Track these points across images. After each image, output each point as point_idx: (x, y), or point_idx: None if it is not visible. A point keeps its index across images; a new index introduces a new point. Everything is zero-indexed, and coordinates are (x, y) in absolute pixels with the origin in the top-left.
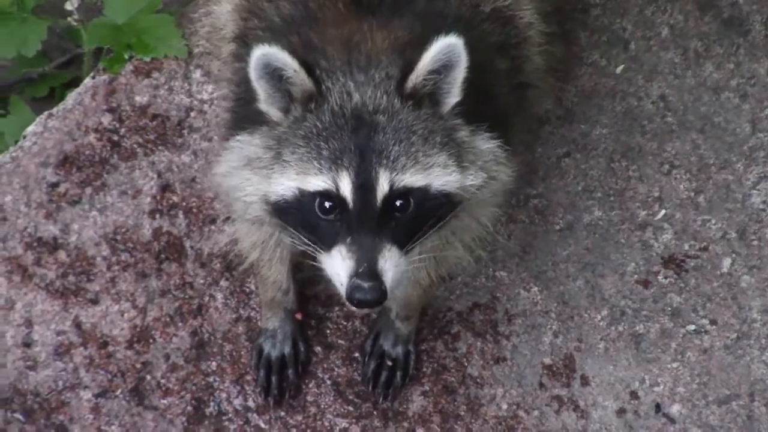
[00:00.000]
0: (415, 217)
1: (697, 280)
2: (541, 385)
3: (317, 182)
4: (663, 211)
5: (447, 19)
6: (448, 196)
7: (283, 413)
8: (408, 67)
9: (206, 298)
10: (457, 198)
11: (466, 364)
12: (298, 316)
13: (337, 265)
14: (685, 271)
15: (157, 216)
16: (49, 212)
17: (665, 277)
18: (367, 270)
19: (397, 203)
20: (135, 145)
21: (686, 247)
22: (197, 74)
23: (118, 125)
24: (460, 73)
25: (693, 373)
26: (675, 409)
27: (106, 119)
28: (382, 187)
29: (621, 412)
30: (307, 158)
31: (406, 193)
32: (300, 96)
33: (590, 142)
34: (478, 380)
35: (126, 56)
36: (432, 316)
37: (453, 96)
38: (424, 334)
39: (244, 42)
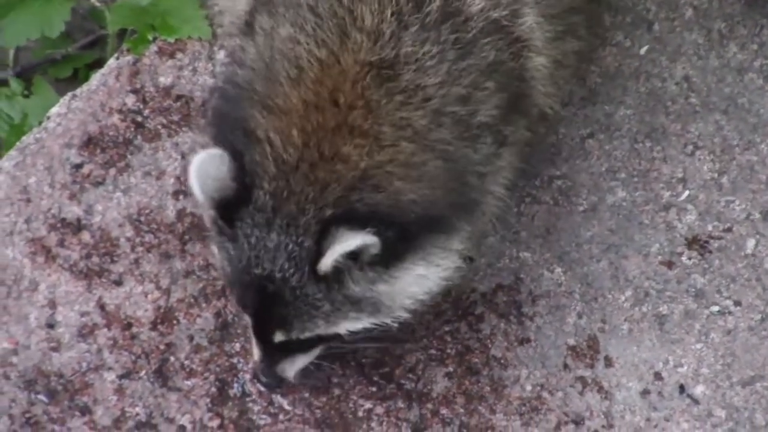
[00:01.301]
0: (321, 341)
1: (721, 261)
2: (565, 366)
3: (231, 293)
4: (687, 192)
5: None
6: (360, 333)
7: (307, 394)
8: (323, 245)
9: None
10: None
11: (489, 345)
12: None
13: (252, 340)
14: (708, 252)
15: (181, 197)
16: (73, 193)
17: (689, 258)
18: (266, 370)
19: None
20: (159, 126)
21: (710, 228)
22: (221, 55)
23: (142, 106)
24: (377, 249)
25: (717, 354)
26: (699, 390)
27: (130, 100)
28: (279, 338)
29: (645, 393)
30: (224, 271)
31: (307, 341)
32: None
33: (614, 123)
34: (502, 361)
35: (150, 37)
36: (455, 298)
37: (372, 253)
38: (448, 315)
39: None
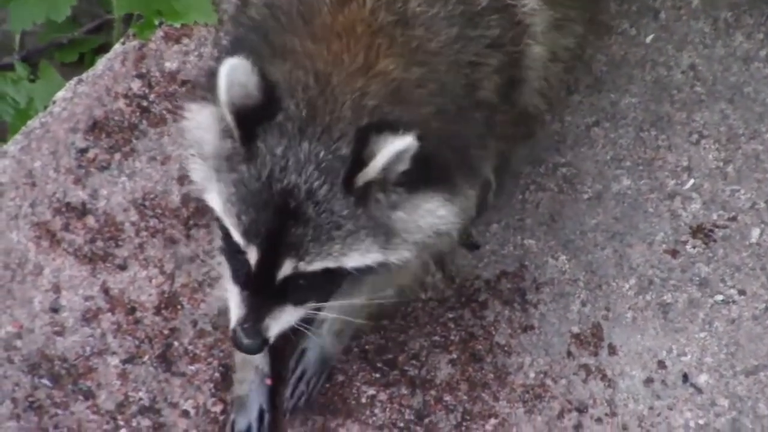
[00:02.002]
0: (323, 282)
1: (726, 250)
2: (569, 353)
3: (233, 233)
4: (692, 181)
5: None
6: (366, 270)
7: None
8: (359, 157)
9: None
10: (377, 269)
11: (493, 332)
12: (268, 381)
13: (231, 302)
14: (713, 241)
15: (186, 182)
16: (78, 178)
17: (693, 247)
18: (250, 327)
19: (300, 279)
20: (164, 111)
21: (715, 216)
22: (227, 41)
23: (147, 91)
24: (409, 156)
25: (721, 343)
26: (702, 379)
27: (136, 85)
28: (285, 271)
29: (648, 381)
30: (230, 206)
31: (311, 274)
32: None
33: (619, 111)
34: (506, 348)
35: (156, 22)
36: (460, 284)
37: (400, 170)
38: (452, 302)
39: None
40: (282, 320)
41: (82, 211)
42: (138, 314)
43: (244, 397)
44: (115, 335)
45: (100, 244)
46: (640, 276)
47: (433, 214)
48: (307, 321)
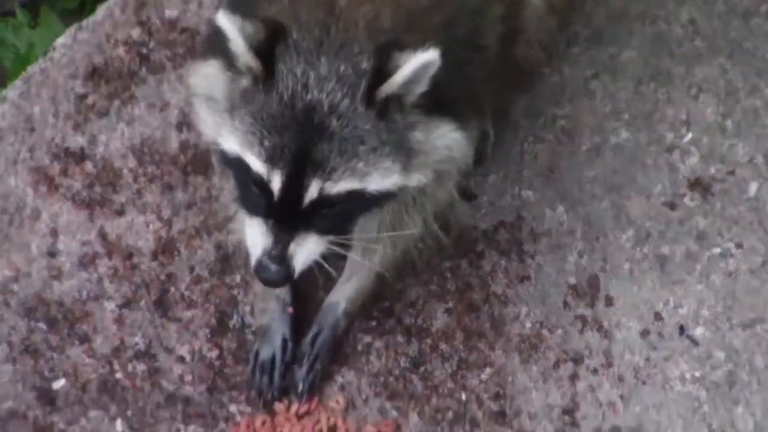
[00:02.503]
0: (345, 210)
1: (723, 203)
2: (566, 304)
3: (254, 164)
4: (690, 135)
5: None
6: (386, 194)
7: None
8: (381, 71)
9: (232, 211)
10: (398, 193)
11: (490, 282)
12: (290, 310)
13: (254, 236)
14: (711, 194)
15: (185, 129)
16: (77, 123)
17: (691, 200)
18: (277, 254)
19: (325, 202)
20: (164, 59)
21: (713, 170)
22: None
23: (147, 38)
24: (430, 75)
25: (717, 296)
26: (699, 331)
27: (136, 32)
28: (311, 194)
29: (645, 333)
30: (250, 138)
31: (336, 196)
32: (250, 74)
33: (619, 65)
34: (502, 298)
35: None
36: (457, 234)
37: (419, 92)
38: (449, 252)
39: None
40: (306, 249)
41: (81, 156)
42: (135, 260)
43: (267, 327)
44: (111, 280)
45: (98, 189)
46: (638, 228)
47: (447, 138)
48: (326, 259)
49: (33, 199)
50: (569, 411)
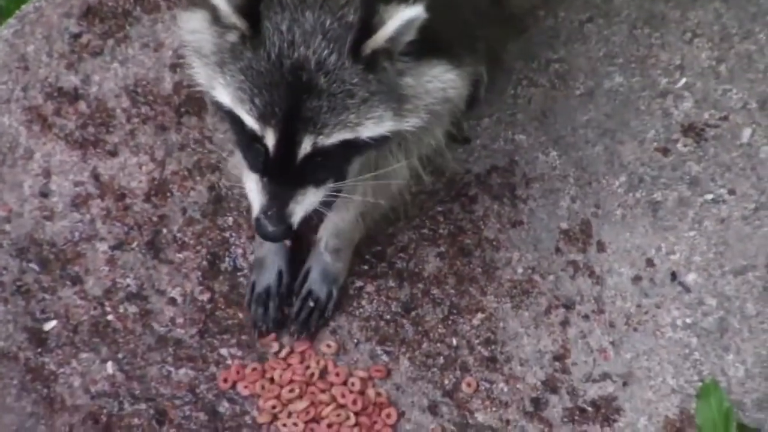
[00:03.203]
0: (341, 157)
1: (717, 149)
2: (558, 249)
3: (247, 120)
4: (684, 80)
5: None
6: (380, 140)
7: None
8: (367, 25)
9: (225, 153)
10: (392, 137)
11: (482, 226)
12: (287, 242)
13: (252, 191)
14: (704, 140)
15: (179, 69)
16: (71, 63)
17: (684, 146)
18: (275, 214)
19: (320, 154)
20: None
21: (706, 116)
22: None
23: None
24: (416, 26)
25: (710, 242)
26: (691, 278)
27: None
28: (305, 149)
29: (636, 279)
30: (241, 94)
31: (330, 148)
32: (237, 32)
33: (613, 8)
34: (494, 243)
35: None
36: (450, 178)
37: (407, 40)
38: (441, 196)
39: None
40: (305, 203)
41: (74, 96)
42: (127, 201)
43: (264, 259)
44: (104, 221)
45: (91, 129)
46: (631, 173)
47: (439, 79)
48: (326, 204)
49: (26, 139)
50: (560, 357)
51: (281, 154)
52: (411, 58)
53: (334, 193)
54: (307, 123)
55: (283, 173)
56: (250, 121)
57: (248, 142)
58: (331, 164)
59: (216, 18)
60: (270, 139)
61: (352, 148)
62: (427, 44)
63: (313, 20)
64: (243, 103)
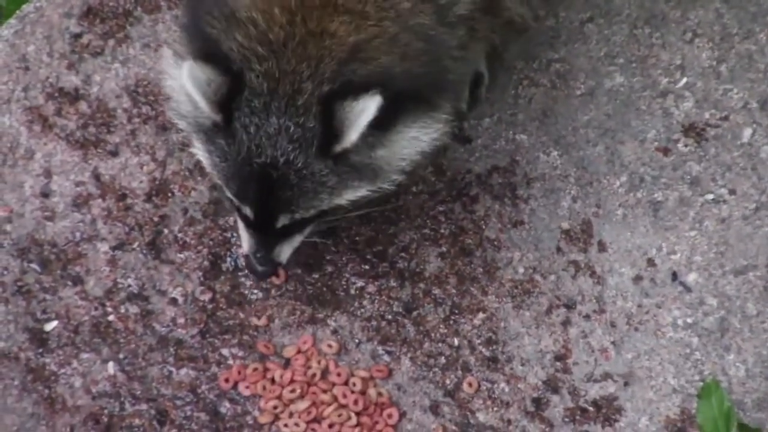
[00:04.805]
0: (322, 216)
1: (717, 149)
2: (559, 249)
3: (225, 190)
4: (685, 79)
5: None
6: (359, 200)
7: (299, 271)
8: (329, 126)
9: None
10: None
11: (483, 226)
12: None
13: (241, 230)
14: (705, 139)
15: None
16: (71, 63)
17: (685, 145)
18: (262, 257)
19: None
20: None
21: (707, 115)
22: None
23: None
24: (378, 109)
25: (710, 242)
26: (691, 277)
27: None
28: (282, 222)
29: (637, 279)
30: (216, 172)
31: (309, 218)
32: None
33: (614, 8)
34: (496, 243)
35: None
36: (451, 178)
37: (371, 119)
38: (442, 196)
39: None
40: (291, 245)
41: (75, 96)
42: (128, 201)
43: None
44: (105, 221)
45: (92, 129)
46: (632, 173)
47: (414, 141)
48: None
49: (27, 139)
50: (561, 357)
51: (261, 221)
52: (378, 130)
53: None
54: (281, 206)
55: (267, 230)
56: (228, 193)
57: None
58: (310, 221)
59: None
60: (248, 212)
61: (329, 212)
62: (393, 111)
63: (277, 125)
64: (219, 178)
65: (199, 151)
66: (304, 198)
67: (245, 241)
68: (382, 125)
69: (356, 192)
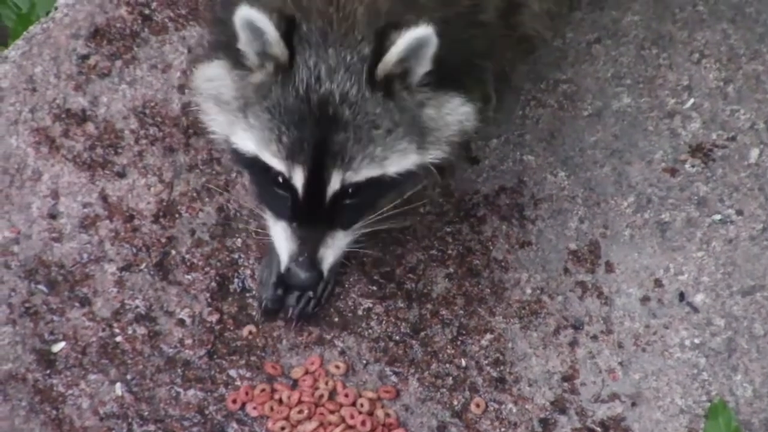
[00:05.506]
0: (368, 196)
1: (724, 169)
2: (566, 270)
3: (274, 162)
4: (692, 100)
5: None
6: (406, 175)
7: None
8: (380, 52)
9: (233, 174)
10: (417, 170)
11: (491, 247)
12: None
13: (280, 240)
14: (712, 160)
15: (186, 91)
16: (79, 84)
17: (692, 166)
18: (306, 260)
19: (348, 193)
20: (166, 19)
21: (714, 136)
22: None
23: None
24: (430, 54)
25: (718, 262)
26: (699, 298)
27: None
28: (333, 186)
29: (645, 299)
30: (267, 134)
31: (357, 185)
32: (273, 62)
33: (621, 29)
34: (503, 264)
35: None
36: (458, 199)
37: (423, 71)
38: (450, 217)
39: None
40: (335, 248)
41: (82, 117)
42: (136, 222)
43: (270, 248)
44: (112, 243)
45: (99, 151)
46: (639, 194)
47: (457, 111)
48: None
49: (34, 160)
50: (569, 378)
51: (310, 193)
52: (429, 88)
53: (361, 236)
54: (335, 157)
55: (312, 215)
56: (277, 163)
57: (273, 189)
58: (358, 206)
59: (236, 63)
60: (298, 179)
61: (378, 186)
62: (443, 77)
63: (335, 56)
64: (269, 144)
65: (245, 130)
66: (358, 144)
67: (285, 249)
68: (432, 84)
69: (404, 156)
